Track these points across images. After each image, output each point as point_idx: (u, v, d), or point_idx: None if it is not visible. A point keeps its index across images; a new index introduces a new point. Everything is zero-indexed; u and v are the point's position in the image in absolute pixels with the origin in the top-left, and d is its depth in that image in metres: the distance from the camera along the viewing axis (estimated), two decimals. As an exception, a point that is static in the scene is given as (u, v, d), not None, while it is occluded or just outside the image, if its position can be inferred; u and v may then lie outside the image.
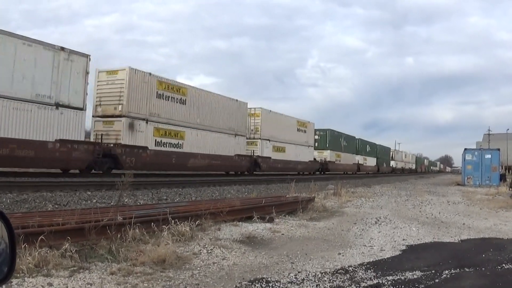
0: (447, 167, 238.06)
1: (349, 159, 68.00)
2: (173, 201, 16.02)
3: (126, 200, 14.49)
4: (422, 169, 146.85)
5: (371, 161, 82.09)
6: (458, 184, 43.51)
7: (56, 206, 13.07)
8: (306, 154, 52.78)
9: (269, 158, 43.56)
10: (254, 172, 40.92)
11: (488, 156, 43.27)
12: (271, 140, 44.68)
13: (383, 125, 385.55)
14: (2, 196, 13.73)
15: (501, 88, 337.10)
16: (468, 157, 44.02)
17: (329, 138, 60.93)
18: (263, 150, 43.13)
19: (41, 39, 22.37)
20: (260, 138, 42.85)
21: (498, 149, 45.27)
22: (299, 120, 52.17)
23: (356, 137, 75.55)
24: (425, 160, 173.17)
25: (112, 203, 12.97)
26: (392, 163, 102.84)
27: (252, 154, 40.79)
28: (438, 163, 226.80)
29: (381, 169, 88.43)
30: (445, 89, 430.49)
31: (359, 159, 74.13)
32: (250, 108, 42.28)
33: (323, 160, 58.67)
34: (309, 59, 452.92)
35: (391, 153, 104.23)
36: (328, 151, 60.06)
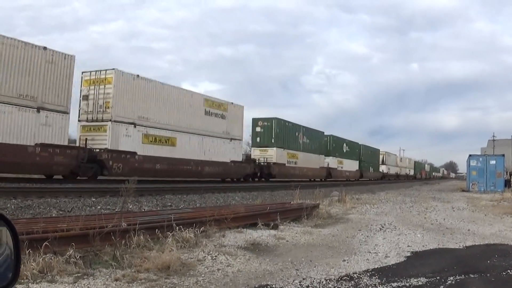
0: (451, 173, 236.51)
1: (312, 161, 53.98)
2: (178, 207, 16.02)
3: (130, 207, 14.49)
4: (422, 175, 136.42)
5: (350, 165, 67.94)
6: (463, 190, 43.43)
7: (61, 212, 13.09)
8: (225, 152, 37.21)
9: (126, 155, 27.23)
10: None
11: (493, 162, 43.20)
12: (139, 125, 28.66)
13: (388, 132, 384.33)
14: (6, 202, 13.76)
15: (507, 94, 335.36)
16: (473, 163, 43.96)
17: (276, 131, 45.95)
18: (118, 139, 27.12)
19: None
20: (111, 120, 26.72)
21: (503, 155, 45.20)
22: (209, 99, 36.24)
23: (325, 133, 59.93)
24: (426, 165, 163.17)
25: (116, 210, 12.97)
26: (383, 168, 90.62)
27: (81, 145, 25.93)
28: (442, 169, 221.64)
29: (366, 174, 76.23)
30: (450, 95, 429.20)
31: (330, 161, 59.47)
32: (97, 71, 27.71)
33: (264, 161, 44.51)
34: (314, 66, 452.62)
35: (381, 156, 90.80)
36: (275, 149, 45.28)
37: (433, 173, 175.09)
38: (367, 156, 78.55)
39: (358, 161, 72.59)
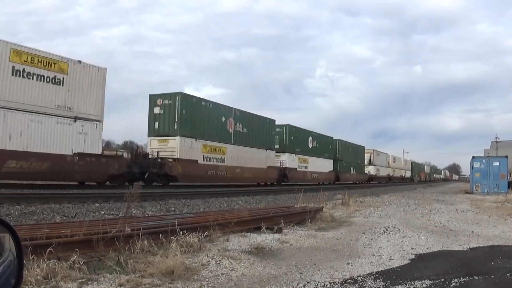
0: (454, 175, 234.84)
1: (254, 158, 40.10)
2: (181, 212, 16.03)
3: (134, 212, 14.51)
4: (421, 178, 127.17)
5: (321, 165, 55.57)
6: (467, 192, 43.33)
7: (64, 218, 13.09)
8: (61, 137, 23.31)
9: None
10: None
11: (496, 163, 43.11)
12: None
13: (391, 135, 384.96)
14: (10, 208, 13.79)
15: (510, 96, 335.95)
16: (476, 165, 43.87)
17: (183, 112, 32.11)
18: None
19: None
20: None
21: (506, 157, 45.09)
22: (24, 51, 21.87)
23: (278, 122, 46.50)
24: (426, 166, 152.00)
25: (120, 215, 12.98)
26: (370, 168, 79.21)
27: None
28: (444, 170, 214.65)
29: (345, 176, 62.88)
30: (453, 98, 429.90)
31: (286, 160, 46.90)
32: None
33: (169, 161, 30.99)
34: (317, 69, 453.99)
35: (367, 154, 78.86)
36: (178, 138, 31.69)
37: (434, 175, 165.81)
38: (346, 154, 66.29)
39: (332, 160, 60.18)
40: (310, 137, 53.37)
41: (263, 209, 15.37)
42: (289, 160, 47.44)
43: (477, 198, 32.77)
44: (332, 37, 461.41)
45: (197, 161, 33.01)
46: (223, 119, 36.73)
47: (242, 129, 39.19)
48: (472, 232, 12.86)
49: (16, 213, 13.16)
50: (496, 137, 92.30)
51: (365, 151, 78.19)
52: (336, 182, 58.14)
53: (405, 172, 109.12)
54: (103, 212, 14.67)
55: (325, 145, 57.92)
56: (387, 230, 12.91)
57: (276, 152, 45.45)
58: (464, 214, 19.11)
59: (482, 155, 58.14)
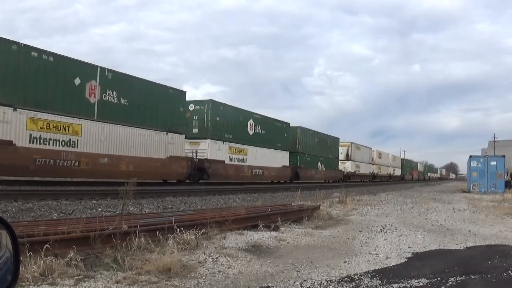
0: (450, 174, 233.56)
1: (151, 146, 28.01)
2: (178, 209, 16.01)
3: (131, 209, 14.52)
4: (413, 176, 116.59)
5: (271, 158, 42.07)
6: (464, 191, 43.44)
7: (62, 214, 13.09)
8: None
9: None
10: None
11: (494, 163, 43.19)
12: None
13: (389, 133, 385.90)
14: (7, 204, 13.77)
15: (508, 95, 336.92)
16: (474, 164, 43.96)
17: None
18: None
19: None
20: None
21: (504, 156, 45.15)
22: None
23: (204, 99, 35.91)
24: (419, 164, 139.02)
25: (117, 212, 12.98)
26: (347, 165, 66.00)
27: None
28: (439, 169, 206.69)
29: (308, 174, 50.30)
30: (451, 96, 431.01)
31: (208, 149, 33.67)
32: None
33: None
34: (315, 68, 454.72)
35: (343, 148, 65.69)
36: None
37: (429, 174, 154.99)
38: (310, 145, 52.05)
39: (288, 153, 46.33)
40: (251, 121, 40.06)
41: (260, 207, 15.37)
42: (212, 150, 34.13)
43: (474, 197, 32.83)
44: (331, 36, 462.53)
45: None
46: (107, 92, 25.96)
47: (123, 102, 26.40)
48: (469, 231, 12.88)
49: (13, 209, 13.15)
50: (494, 137, 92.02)
51: (341, 144, 64.58)
52: (295, 181, 46.40)
53: (394, 170, 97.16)
54: (100, 209, 14.66)
55: (276, 133, 43.69)
56: (384, 228, 12.92)
57: (192, 139, 33.28)
58: (461, 213, 19.14)
59: (480, 154, 58.01)
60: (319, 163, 54.64)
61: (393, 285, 6.40)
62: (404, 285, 6.44)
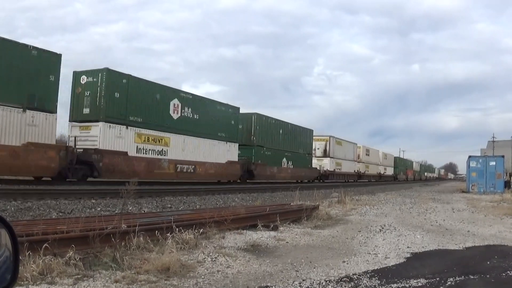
0: (449, 174, 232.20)
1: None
2: (178, 209, 16.01)
3: (130, 208, 14.51)
4: (408, 176, 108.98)
5: (211, 150, 33.73)
6: (463, 192, 43.46)
7: (61, 214, 13.09)
8: None
9: None
10: None
11: (493, 163, 43.20)
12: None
13: (389, 133, 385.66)
14: (6, 203, 13.75)
15: (507, 95, 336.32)
16: (473, 164, 43.98)
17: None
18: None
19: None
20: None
21: (503, 156, 45.21)
22: None
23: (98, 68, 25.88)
24: (414, 163, 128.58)
25: (116, 211, 12.97)
26: (325, 162, 56.78)
27: None
28: (437, 169, 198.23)
29: (268, 172, 41.62)
30: (450, 96, 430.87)
31: (100, 136, 25.03)
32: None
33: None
34: (315, 67, 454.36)
35: (319, 143, 57.59)
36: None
37: (425, 174, 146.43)
38: (271, 138, 43.01)
39: (237, 145, 37.54)
40: (176, 101, 30.64)
41: (259, 207, 15.37)
42: (107, 137, 25.43)
43: (473, 197, 32.84)
44: (330, 35, 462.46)
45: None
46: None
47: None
48: (468, 231, 12.89)
49: (12, 208, 13.15)
50: (493, 137, 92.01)
51: (316, 137, 56.35)
52: (248, 180, 38.70)
53: (385, 169, 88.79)
54: (99, 209, 14.66)
55: (218, 119, 34.76)
56: (383, 228, 12.93)
57: (82, 122, 25.91)
58: (460, 213, 19.15)
59: (479, 154, 58.03)
60: (285, 159, 45.84)
61: (392, 285, 6.40)
62: (403, 285, 6.44)
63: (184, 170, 30.61)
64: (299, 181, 46.38)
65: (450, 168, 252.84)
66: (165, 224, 8.68)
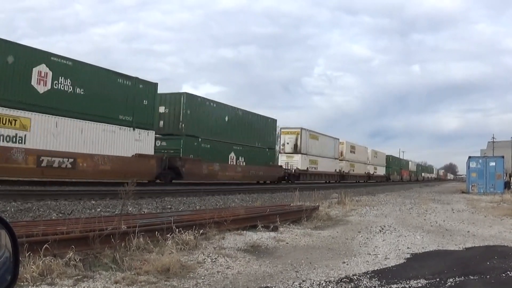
0: (449, 174, 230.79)
1: None
2: (177, 210, 16.02)
3: (130, 209, 14.51)
4: (403, 177, 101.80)
5: (110, 141, 25.07)
6: (463, 192, 43.48)
7: (61, 214, 13.09)
8: None
9: None
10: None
11: (493, 163, 43.22)
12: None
13: (389, 134, 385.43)
14: (6, 204, 13.76)
15: (507, 96, 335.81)
16: (473, 164, 43.99)
17: None
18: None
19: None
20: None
21: (502, 157, 45.26)
22: None
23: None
24: (410, 163, 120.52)
25: (116, 212, 12.97)
26: (295, 160, 48.09)
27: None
28: (436, 169, 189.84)
29: (206, 170, 32.61)
30: (451, 97, 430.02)
31: None
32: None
33: None
34: (315, 68, 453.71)
35: (289, 136, 49.62)
36: None
37: (423, 174, 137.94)
38: (212, 127, 34.33)
39: (153, 133, 28.78)
40: (43, 67, 22.17)
41: (259, 207, 15.39)
42: None
43: (473, 198, 32.84)
44: (331, 36, 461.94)
45: None
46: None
47: None
48: (468, 232, 12.89)
49: (12, 209, 13.14)
50: (493, 137, 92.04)
51: (285, 130, 49.87)
52: (176, 181, 30.79)
53: (375, 169, 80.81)
54: (99, 209, 14.65)
55: (117, 96, 26.07)
56: (383, 229, 12.93)
57: None
58: (460, 213, 19.15)
59: (479, 155, 58.04)
60: (233, 154, 36.39)
61: (392, 286, 6.40)
62: (402, 285, 6.44)
63: (55, 165, 21.76)
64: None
65: (450, 168, 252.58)
66: (165, 225, 8.67)
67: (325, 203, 19.35)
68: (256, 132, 40.41)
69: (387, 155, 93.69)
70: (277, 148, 48.07)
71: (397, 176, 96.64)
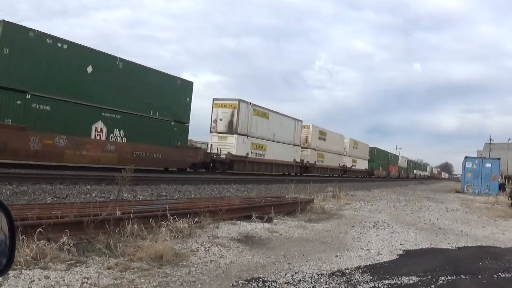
0: (443, 173, 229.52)
1: None
2: (172, 197, 16.04)
3: (125, 195, 14.51)
4: (390, 172, 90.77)
5: None
6: (457, 192, 43.55)
7: (55, 198, 13.07)
8: None
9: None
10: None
11: (489, 165, 43.29)
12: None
13: (386, 130, 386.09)
14: (1, 187, 13.73)
15: (507, 98, 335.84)
16: (469, 165, 44.04)
17: None
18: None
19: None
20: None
21: (499, 159, 45.34)
22: None
23: None
24: (400, 158, 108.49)
25: (111, 198, 12.97)
26: (229, 142, 36.54)
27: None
28: (429, 167, 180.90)
29: (19, 143, 19.76)
30: (450, 97, 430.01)
31: None
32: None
33: None
34: (316, 61, 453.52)
35: (222, 111, 37.59)
36: None
37: (414, 171, 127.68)
38: (56, 78, 22.29)
39: None
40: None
41: (254, 198, 15.40)
42: None
43: (467, 198, 32.93)
44: (334, 30, 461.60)
45: None
46: None
47: None
48: (461, 231, 12.93)
49: (8, 192, 13.12)
50: (490, 139, 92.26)
51: (217, 102, 38.00)
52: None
53: (354, 161, 69.25)
54: (94, 195, 14.64)
55: None
56: (376, 224, 12.96)
57: None
58: (454, 213, 19.21)
59: (475, 155, 58.13)
60: (101, 124, 25.24)
61: (384, 282, 6.42)
62: (394, 281, 6.46)
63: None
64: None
65: (446, 167, 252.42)
66: (160, 212, 8.67)
67: (320, 196, 19.37)
68: (152, 95, 28.57)
69: (371, 147, 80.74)
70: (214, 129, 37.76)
71: (383, 172, 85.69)
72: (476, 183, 42.60)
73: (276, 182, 29.94)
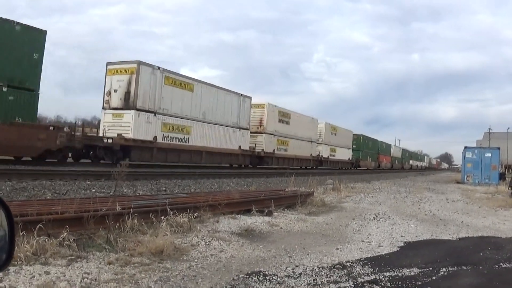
0: (442, 163, 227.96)
1: None
2: (172, 192, 16.03)
3: (125, 190, 14.52)
4: (381, 163, 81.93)
5: None
6: (458, 182, 43.50)
7: (55, 194, 13.06)
8: None
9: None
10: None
11: (488, 154, 43.22)
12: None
13: (385, 121, 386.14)
14: (1, 183, 13.72)
15: (506, 87, 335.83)
16: (468, 155, 43.98)
17: None
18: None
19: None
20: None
21: (498, 148, 45.24)
22: None
23: None
24: (394, 147, 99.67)
25: (111, 193, 12.96)
26: (126, 122, 26.62)
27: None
28: (427, 157, 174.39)
29: None
30: (449, 86, 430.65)
31: None
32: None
33: None
34: (314, 54, 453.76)
35: (121, 78, 27.22)
36: None
37: (410, 162, 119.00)
38: None
39: None
40: None
41: (254, 192, 15.40)
42: None
43: (468, 188, 32.87)
44: (331, 22, 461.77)
45: None
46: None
47: None
48: (462, 222, 12.92)
49: (7, 188, 13.11)
50: (489, 128, 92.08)
51: (109, 68, 28.25)
52: None
53: (333, 151, 59.80)
54: (94, 190, 14.63)
55: None
56: (377, 216, 12.96)
57: None
58: (455, 203, 19.19)
59: (475, 145, 58.06)
60: None
61: (385, 274, 6.42)
62: (395, 273, 6.45)
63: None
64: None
65: (446, 158, 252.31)
66: (160, 207, 8.66)
67: (320, 189, 19.37)
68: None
69: (356, 134, 71.03)
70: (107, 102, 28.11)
71: (372, 163, 76.02)
72: (476, 173, 42.55)
73: (276, 176, 29.92)
